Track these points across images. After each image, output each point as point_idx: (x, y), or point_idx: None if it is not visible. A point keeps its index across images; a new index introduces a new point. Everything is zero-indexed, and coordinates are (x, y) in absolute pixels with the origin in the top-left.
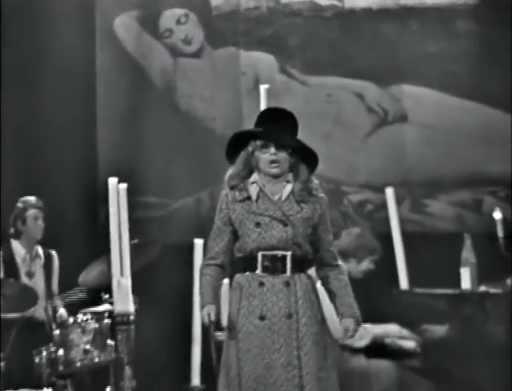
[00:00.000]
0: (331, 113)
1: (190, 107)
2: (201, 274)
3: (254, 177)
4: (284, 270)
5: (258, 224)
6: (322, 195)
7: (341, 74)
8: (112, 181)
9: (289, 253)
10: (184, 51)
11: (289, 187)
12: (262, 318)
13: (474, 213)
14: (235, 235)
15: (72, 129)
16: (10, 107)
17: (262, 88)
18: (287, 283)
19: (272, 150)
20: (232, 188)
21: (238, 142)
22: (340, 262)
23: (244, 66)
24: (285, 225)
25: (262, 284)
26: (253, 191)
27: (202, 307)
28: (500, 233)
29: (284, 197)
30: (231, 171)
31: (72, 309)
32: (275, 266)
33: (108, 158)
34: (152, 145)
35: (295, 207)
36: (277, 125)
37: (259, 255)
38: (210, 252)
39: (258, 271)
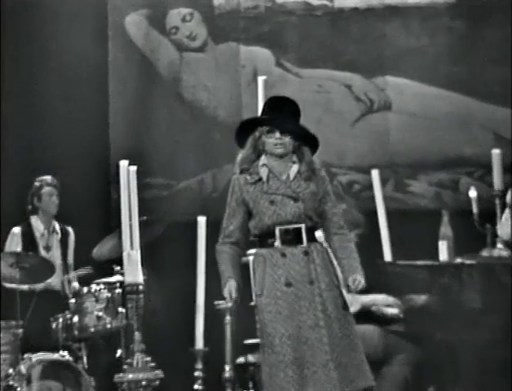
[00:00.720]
0: (322, 102)
1: (194, 96)
2: (219, 252)
3: (263, 160)
4: (301, 241)
5: (272, 202)
6: (324, 174)
7: (331, 67)
8: (123, 163)
9: (303, 225)
10: (189, 46)
11: (295, 168)
12: (288, 284)
13: (451, 191)
14: (248, 215)
15: (87, 116)
16: (31, 95)
17: (260, 79)
18: (306, 253)
19: (277, 134)
20: (242, 171)
21: (246, 128)
22: (346, 231)
23: (243, 59)
24: (296, 201)
25: (284, 255)
26: (264, 172)
27: (224, 284)
28: (475, 210)
29: (292, 176)
30: (241, 155)
31: (85, 281)
32: (292, 238)
33: (119, 143)
34: (159, 131)
35: (303, 184)
36: (282, 112)
37: (277, 229)
38: (225, 231)
39: (277, 244)
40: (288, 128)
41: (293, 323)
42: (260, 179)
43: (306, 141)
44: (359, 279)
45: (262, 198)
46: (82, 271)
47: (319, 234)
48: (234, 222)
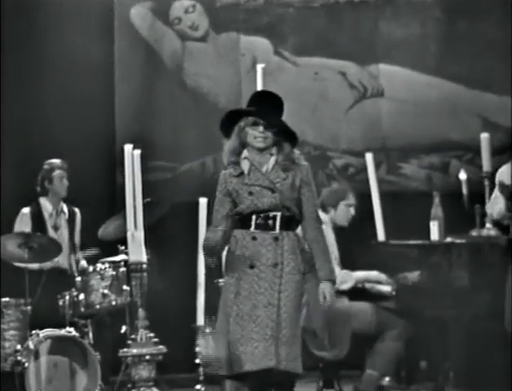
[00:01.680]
0: (317, 89)
1: (196, 83)
2: (206, 238)
3: (245, 153)
4: (273, 228)
5: (250, 193)
6: (304, 163)
7: (326, 55)
8: (128, 147)
9: (278, 213)
10: (191, 36)
11: (273, 159)
12: (251, 266)
13: (441, 174)
14: (234, 204)
15: (94, 103)
16: (40, 81)
17: (259, 67)
18: (276, 238)
19: (261, 128)
20: (229, 164)
21: (232, 119)
22: (320, 223)
23: (243, 49)
24: (273, 192)
25: (254, 238)
26: (245, 165)
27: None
28: (464, 191)
29: (270, 168)
30: (228, 146)
31: (91, 261)
32: (266, 224)
33: (124, 128)
34: (162, 116)
35: (281, 175)
36: (267, 106)
37: (253, 216)
38: (214, 221)
39: (252, 228)
40: (272, 122)
41: (250, 303)
42: (243, 172)
43: (287, 137)
44: (328, 293)
45: (243, 189)
46: (90, 252)
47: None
48: (221, 212)
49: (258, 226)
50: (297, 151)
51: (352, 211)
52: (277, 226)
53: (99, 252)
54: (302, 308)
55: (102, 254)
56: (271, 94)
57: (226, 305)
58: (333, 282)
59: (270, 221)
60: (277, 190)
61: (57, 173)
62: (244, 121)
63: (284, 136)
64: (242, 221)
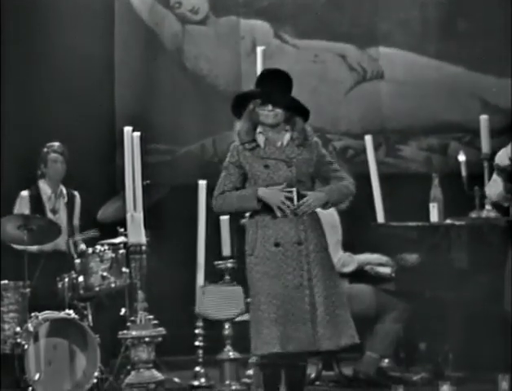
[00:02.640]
0: (317, 71)
1: (196, 66)
2: (222, 199)
3: (259, 128)
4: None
5: (266, 166)
6: (316, 139)
7: (326, 38)
8: (127, 129)
9: (294, 189)
10: (191, 19)
11: (288, 135)
12: (276, 244)
13: (441, 155)
14: (243, 178)
15: (94, 86)
16: (40, 64)
17: (259, 50)
18: (295, 214)
19: (269, 107)
20: (243, 143)
21: (242, 101)
22: (345, 180)
23: (243, 32)
24: (289, 165)
25: (275, 216)
26: (261, 139)
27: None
28: (463, 173)
29: (285, 143)
30: (240, 126)
31: (91, 243)
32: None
33: (124, 110)
34: (162, 99)
35: (296, 150)
36: (274, 85)
37: None
38: (222, 188)
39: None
40: (279, 101)
41: (280, 282)
42: (257, 146)
43: (298, 111)
44: (307, 199)
45: (258, 162)
46: (89, 234)
47: None
48: (231, 182)
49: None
50: (309, 128)
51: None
52: (295, 201)
53: (98, 234)
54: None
55: (101, 236)
56: (278, 72)
57: (255, 284)
58: (327, 203)
59: (287, 198)
60: (293, 163)
61: (52, 156)
62: (253, 103)
63: (295, 111)
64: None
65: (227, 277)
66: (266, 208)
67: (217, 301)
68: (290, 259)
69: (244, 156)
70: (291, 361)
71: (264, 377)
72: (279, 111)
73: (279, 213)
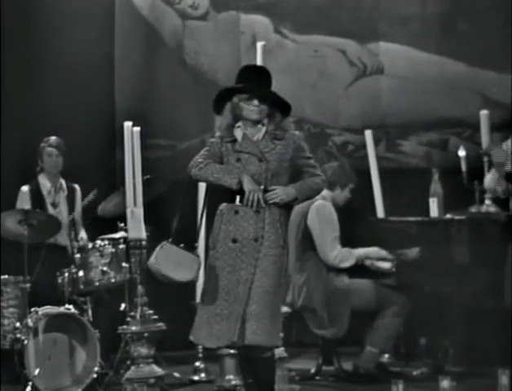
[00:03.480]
0: (317, 66)
1: (196, 62)
2: (201, 165)
3: (238, 123)
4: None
5: (238, 159)
6: (297, 132)
7: (326, 33)
8: (127, 125)
9: (261, 186)
10: (192, 15)
11: (263, 129)
12: (234, 240)
13: (441, 151)
14: (220, 161)
15: (94, 81)
16: (40, 59)
17: (259, 45)
18: (257, 212)
19: (256, 102)
20: (222, 138)
21: (227, 95)
22: (321, 179)
23: (243, 27)
24: (261, 160)
25: (236, 212)
26: (239, 133)
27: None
28: (463, 168)
29: (260, 137)
30: (221, 121)
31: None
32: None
33: (124, 105)
34: (162, 94)
35: (270, 145)
36: (259, 81)
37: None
38: (202, 157)
39: (236, 202)
40: (265, 97)
41: (234, 279)
42: (235, 140)
43: (280, 108)
44: (274, 192)
45: (232, 155)
46: (88, 198)
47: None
48: (209, 156)
49: (241, 200)
50: (289, 119)
51: (350, 195)
52: (260, 200)
53: (96, 195)
54: (284, 283)
55: (101, 231)
56: (259, 68)
57: (212, 278)
58: (296, 199)
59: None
60: (264, 159)
61: (47, 150)
62: (237, 97)
63: (278, 107)
64: (228, 193)
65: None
66: (231, 199)
67: (171, 260)
68: (245, 255)
69: (226, 148)
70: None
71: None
72: (264, 107)
73: (248, 202)
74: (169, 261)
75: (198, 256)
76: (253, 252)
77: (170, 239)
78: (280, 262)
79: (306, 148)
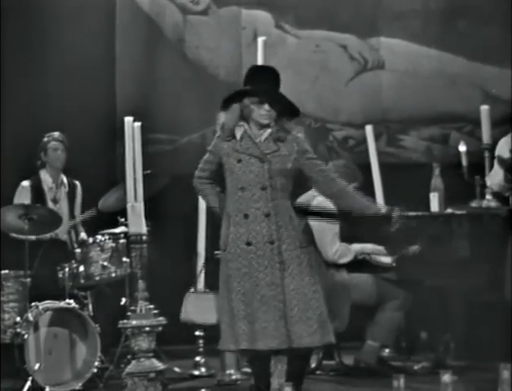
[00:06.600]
0: (318, 61)
1: (197, 56)
2: (199, 190)
3: (241, 122)
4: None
5: (239, 160)
6: (299, 135)
7: (327, 28)
8: (128, 119)
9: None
10: (193, 10)
11: (268, 130)
12: (248, 244)
13: (441, 145)
14: (220, 166)
15: (95, 76)
16: (42, 53)
17: (260, 40)
18: (267, 215)
19: (267, 107)
20: (222, 137)
21: (239, 96)
22: (333, 175)
23: (244, 22)
24: (262, 161)
25: (246, 216)
26: (238, 132)
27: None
28: (464, 163)
29: (263, 139)
30: (225, 120)
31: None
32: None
33: (125, 100)
34: (163, 89)
35: (272, 146)
36: (271, 84)
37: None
38: (201, 171)
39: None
40: (277, 102)
41: (251, 280)
42: (233, 138)
43: (288, 111)
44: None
45: (232, 156)
46: (87, 214)
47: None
48: (208, 170)
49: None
50: (290, 124)
51: None
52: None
53: (96, 214)
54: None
55: (102, 226)
56: (270, 69)
57: (226, 280)
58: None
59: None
60: (267, 160)
61: (52, 144)
62: (248, 99)
63: (286, 111)
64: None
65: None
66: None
67: (197, 307)
68: (262, 258)
69: (222, 148)
70: (294, 353)
71: (252, 368)
72: (273, 111)
73: None
74: (197, 308)
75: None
76: (271, 255)
77: (192, 289)
78: (306, 261)
79: (310, 149)
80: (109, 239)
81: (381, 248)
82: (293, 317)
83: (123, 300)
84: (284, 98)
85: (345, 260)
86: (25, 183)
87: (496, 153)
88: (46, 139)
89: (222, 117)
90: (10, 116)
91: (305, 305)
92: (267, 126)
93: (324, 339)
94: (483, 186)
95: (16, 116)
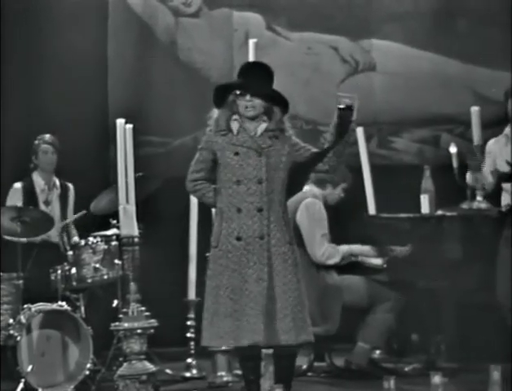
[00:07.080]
0: (310, 63)
1: (189, 58)
2: (195, 191)
3: (235, 116)
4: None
5: (236, 153)
6: (291, 136)
7: (319, 30)
8: (120, 122)
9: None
10: (185, 12)
11: (263, 125)
12: (238, 238)
13: (432, 147)
14: (213, 163)
15: (87, 78)
16: (33, 58)
17: (251, 42)
18: (260, 210)
19: (248, 97)
20: (217, 131)
21: (222, 92)
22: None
23: (236, 24)
24: (260, 155)
25: (239, 210)
26: (235, 126)
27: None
28: (455, 164)
29: (259, 133)
30: (218, 116)
31: (82, 232)
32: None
33: (117, 102)
34: (155, 91)
35: (268, 141)
36: (253, 76)
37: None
38: (194, 174)
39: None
40: (257, 90)
41: (240, 276)
42: (230, 132)
43: (277, 102)
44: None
45: (229, 149)
46: (78, 215)
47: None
48: (202, 169)
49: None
50: (287, 124)
51: (343, 194)
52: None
53: (87, 214)
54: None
55: (94, 228)
56: (258, 64)
57: (214, 277)
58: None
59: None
60: (264, 153)
61: (43, 147)
62: (233, 94)
63: (274, 102)
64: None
65: None
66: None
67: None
68: (251, 253)
69: (216, 142)
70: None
71: (243, 370)
72: (257, 102)
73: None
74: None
75: None
76: (260, 250)
77: None
78: (291, 259)
79: (299, 140)
80: (101, 241)
81: (368, 248)
82: (278, 314)
83: (115, 303)
84: (266, 87)
85: (333, 261)
86: (17, 185)
87: (486, 151)
88: (36, 142)
89: (215, 112)
90: (4, 119)
91: (283, 303)
92: (253, 119)
93: (300, 338)
94: (474, 187)
95: (9, 118)
